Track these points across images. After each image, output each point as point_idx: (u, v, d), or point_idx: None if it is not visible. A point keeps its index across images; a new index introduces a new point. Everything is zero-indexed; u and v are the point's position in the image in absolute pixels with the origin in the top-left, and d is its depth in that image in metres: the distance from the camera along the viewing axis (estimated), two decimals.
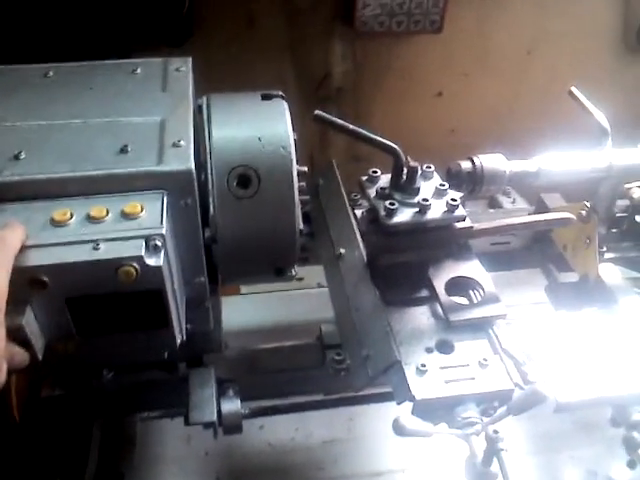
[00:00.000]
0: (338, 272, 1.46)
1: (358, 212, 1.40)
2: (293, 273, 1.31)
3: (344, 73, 2.15)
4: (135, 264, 0.95)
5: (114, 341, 1.09)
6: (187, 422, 1.29)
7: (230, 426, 1.28)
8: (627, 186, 1.56)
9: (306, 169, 1.36)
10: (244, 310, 2.12)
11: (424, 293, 1.34)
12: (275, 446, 1.75)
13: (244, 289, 2.21)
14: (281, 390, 1.37)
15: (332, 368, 1.30)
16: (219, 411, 1.28)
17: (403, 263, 1.31)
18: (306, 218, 1.70)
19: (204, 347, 1.32)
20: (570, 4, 2.13)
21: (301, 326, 1.93)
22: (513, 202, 1.91)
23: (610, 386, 1.25)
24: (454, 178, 1.36)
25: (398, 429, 1.07)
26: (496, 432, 1.06)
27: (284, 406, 1.30)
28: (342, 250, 1.47)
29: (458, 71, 2.17)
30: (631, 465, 1.26)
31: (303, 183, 1.28)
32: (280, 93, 1.30)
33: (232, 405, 1.28)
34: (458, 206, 1.22)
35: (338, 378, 1.32)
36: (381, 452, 1.74)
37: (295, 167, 1.19)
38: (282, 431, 1.77)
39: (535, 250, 1.82)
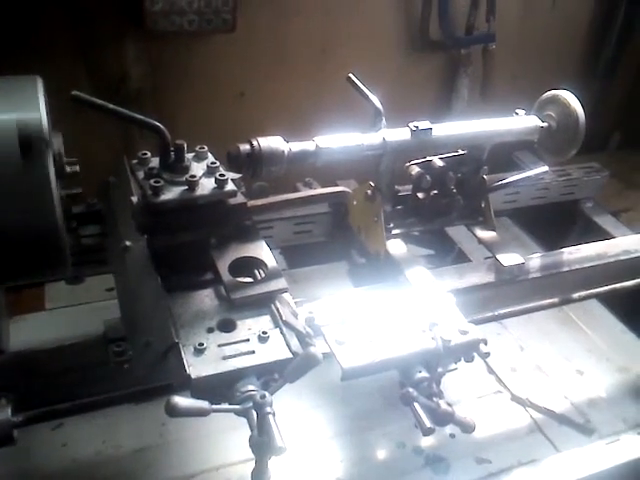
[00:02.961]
0: (124, 265, 1.40)
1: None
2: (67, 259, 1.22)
3: (141, 75, 2.10)
4: None
5: None
6: None
7: None
8: (407, 164, 1.65)
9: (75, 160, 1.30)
10: (50, 326, 1.98)
11: (209, 276, 1.32)
12: (80, 462, 1.62)
13: (49, 304, 2.07)
14: (66, 393, 1.27)
15: (113, 361, 1.24)
16: None
17: (183, 247, 1.28)
18: (97, 218, 1.64)
19: None
20: (357, 7, 2.24)
21: None
22: None
23: (392, 350, 1.29)
24: (234, 161, 1.36)
25: (170, 410, 1.02)
26: (263, 397, 1.04)
27: (63, 409, 1.21)
28: (128, 242, 1.42)
29: (258, 71, 2.20)
30: (417, 425, 1.30)
31: None
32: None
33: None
34: (227, 181, 1.22)
35: (122, 371, 1.26)
36: (195, 454, 1.68)
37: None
38: (88, 445, 1.65)
39: (337, 237, 1.88)
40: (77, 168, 1.28)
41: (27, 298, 2.03)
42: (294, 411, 1.79)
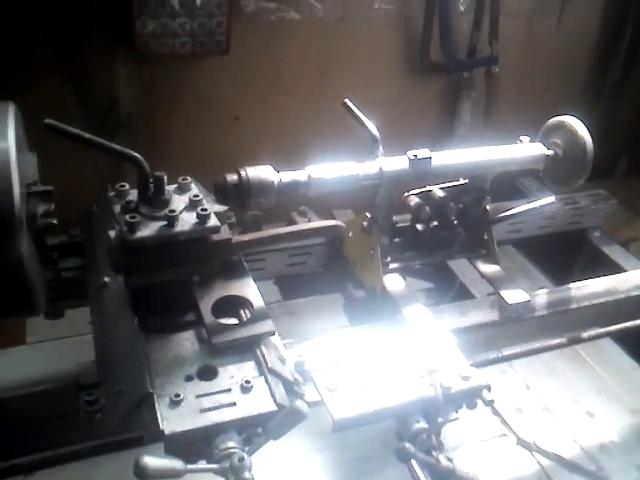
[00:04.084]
0: (101, 303, 1.31)
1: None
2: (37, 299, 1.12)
3: (133, 98, 2.03)
4: None
5: None
6: None
7: None
8: (405, 195, 1.56)
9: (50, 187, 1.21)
10: (29, 362, 1.88)
11: (190, 317, 1.23)
12: None
13: (30, 337, 1.98)
14: (33, 443, 1.17)
15: (85, 410, 1.14)
16: None
17: (162, 286, 1.19)
18: (79, 249, 1.55)
19: None
20: (357, 29, 2.17)
21: None
22: (309, 222, 1.87)
23: (388, 399, 1.19)
24: (221, 192, 1.28)
25: (139, 472, 0.93)
26: (241, 460, 0.94)
27: (26, 464, 1.11)
28: (107, 278, 1.33)
29: (253, 94, 2.14)
30: None
31: None
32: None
33: None
34: (209, 216, 1.13)
35: (94, 421, 1.16)
36: None
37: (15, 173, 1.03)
38: None
39: (333, 269, 1.79)
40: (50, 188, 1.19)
41: (7, 331, 1.94)
42: (290, 454, 1.69)
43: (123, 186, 1.18)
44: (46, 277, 1.44)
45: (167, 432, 1.00)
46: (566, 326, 1.58)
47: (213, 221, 1.13)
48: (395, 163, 1.44)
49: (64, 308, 1.56)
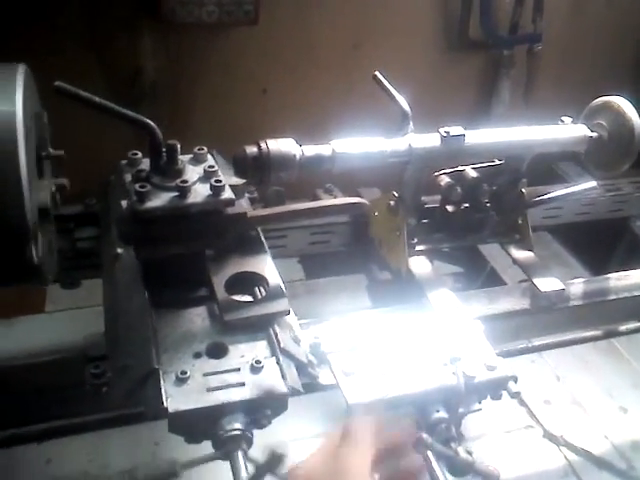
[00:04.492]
0: (114, 274, 1.27)
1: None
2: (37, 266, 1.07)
3: (158, 69, 1.98)
4: None
5: None
6: None
7: None
8: (435, 174, 1.49)
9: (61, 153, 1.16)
10: (47, 330, 1.87)
11: (203, 292, 1.18)
12: None
13: (49, 306, 1.97)
14: (38, 414, 1.15)
15: (90, 384, 1.10)
16: None
17: (174, 259, 1.14)
18: (94, 220, 1.52)
19: None
20: (394, 1, 2.08)
21: None
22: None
23: (407, 386, 1.13)
24: (239, 165, 1.22)
25: None
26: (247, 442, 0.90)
27: (33, 433, 1.08)
28: (119, 250, 1.29)
29: (282, 66, 2.07)
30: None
31: None
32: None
33: None
34: (223, 187, 1.07)
35: (100, 395, 1.12)
36: (190, 477, 1.55)
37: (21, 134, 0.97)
38: (72, 463, 1.54)
39: (357, 249, 1.72)
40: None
41: (28, 299, 1.94)
42: (303, 435, 1.65)
43: (136, 154, 1.14)
44: (61, 246, 1.42)
45: (170, 410, 0.95)
46: (602, 318, 1.49)
47: (227, 193, 1.07)
48: (426, 140, 1.36)
49: (80, 278, 1.53)
